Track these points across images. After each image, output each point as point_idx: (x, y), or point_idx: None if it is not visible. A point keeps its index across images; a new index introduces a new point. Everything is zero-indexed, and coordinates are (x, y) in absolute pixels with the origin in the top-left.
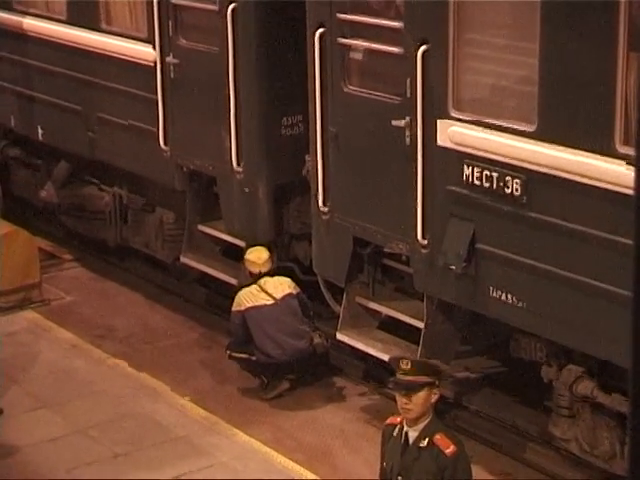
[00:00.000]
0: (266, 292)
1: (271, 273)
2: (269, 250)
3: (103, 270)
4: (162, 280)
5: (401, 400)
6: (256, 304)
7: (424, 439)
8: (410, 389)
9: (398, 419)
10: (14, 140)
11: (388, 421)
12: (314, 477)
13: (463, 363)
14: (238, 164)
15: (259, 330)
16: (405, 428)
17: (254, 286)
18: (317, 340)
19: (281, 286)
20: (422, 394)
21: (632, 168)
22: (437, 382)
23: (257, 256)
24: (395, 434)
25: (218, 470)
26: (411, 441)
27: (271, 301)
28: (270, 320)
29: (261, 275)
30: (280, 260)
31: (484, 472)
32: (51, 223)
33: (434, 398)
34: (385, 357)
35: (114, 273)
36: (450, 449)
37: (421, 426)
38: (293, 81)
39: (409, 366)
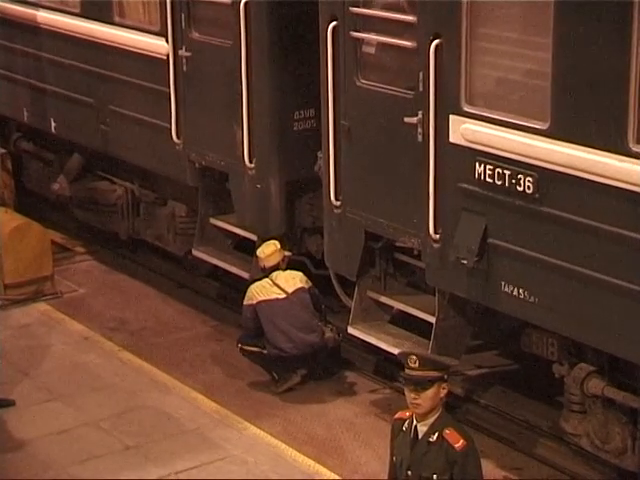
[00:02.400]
0: (278, 286)
1: (283, 267)
2: (281, 244)
3: (115, 263)
4: (174, 273)
5: (410, 395)
6: (268, 298)
7: (434, 434)
8: (419, 384)
9: (407, 413)
10: (27, 133)
11: (397, 415)
12: (324, 470)
13: (474, 358)
14: (250, 161)
15: (270, 324)
16: (415, 422)
17: (266, 280)
18: (328, 334)
19: (293, 280)
20: (431, 389)
21: None
22: (446, 377)
23: (261, 250)
24: (405, 428)
25: (228, 463)
26: (420, 436)
27: (283, 295)
28: (282, 314)
29: (273, 269)
30: (292, 254)
31: (494, 467)
32: (63, 216)
33: (443, 393)
34: (396, 351)
35: (126, 266)
36: (460, 444)
37: (430, 421)
38: (305, 75)
39: (418, 362)
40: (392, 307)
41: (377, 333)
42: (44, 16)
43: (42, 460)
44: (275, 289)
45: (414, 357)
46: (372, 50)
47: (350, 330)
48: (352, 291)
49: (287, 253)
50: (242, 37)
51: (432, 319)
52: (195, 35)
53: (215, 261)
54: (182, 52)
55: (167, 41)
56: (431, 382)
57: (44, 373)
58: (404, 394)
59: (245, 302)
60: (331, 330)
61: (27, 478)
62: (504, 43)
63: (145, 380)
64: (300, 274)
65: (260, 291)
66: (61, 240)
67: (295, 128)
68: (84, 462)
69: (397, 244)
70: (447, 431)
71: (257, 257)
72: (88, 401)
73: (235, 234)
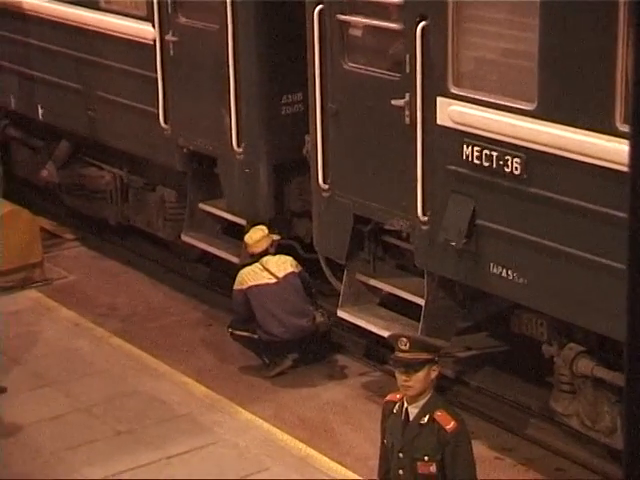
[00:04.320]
0: (268, 271)
1: (272, 252)
2: (269, 228)
3: (105, 249)
4: (163, 258)
5: (401, 377)
6: (258, 283)
7: (425, 416)
8: (409, 367)
9: (398, 396)
10: (15, 120)
11: (388, 398)
12: (316, 453)
13: (464, 339)
14: (238, 145)
15: (262, 308)
16: (405, 405)
17: (256, 265)
18: (319, 318)
19: (283, 265)
20: (422, 371)
21: None
22: (436, 359)
23: (249, 237)
24: (395, 411)
25: (220, 447)
26: (412, 418)
27: (274, 280)
28: (273, 299)
29: (263, 254)
30: (281, 238)
31: (485, 448)
32: (52, 203)
33: (434, 375)
34: (386, 334)
35: (116, 252)
36: (451, 425)
37: (421, 403)
38: (293, 58)
39: (408, 344)
40: (381, 290)
41: (367, 316)
42: (30, 2)
43: (34, 446)
44: (266, 274)
45: (404, 339)
46: (359, 33)
47: (340, 313)
48: (341, 274)
49: (276, 237)
50: (229, 21)
51: (421, 301)
52: (182, 20)
53: (204, 246)
54: (169, 37)
55: (154, 26)
56: (422, 364)
57: (35, 360)
58: (394, 376)
59: (235, 287)
60: (322, 314)
61: (19, 464)
62: (491, 24)
63: (136, 365)
64: (290, 258)
65: (251, 276)
66: (50, 227)
67: (283, 112)
68: (76, 448)
69: (386, 227)
70: (438, 413)
71: (245, 243)
72: (79, 387)
73: (224, 219)
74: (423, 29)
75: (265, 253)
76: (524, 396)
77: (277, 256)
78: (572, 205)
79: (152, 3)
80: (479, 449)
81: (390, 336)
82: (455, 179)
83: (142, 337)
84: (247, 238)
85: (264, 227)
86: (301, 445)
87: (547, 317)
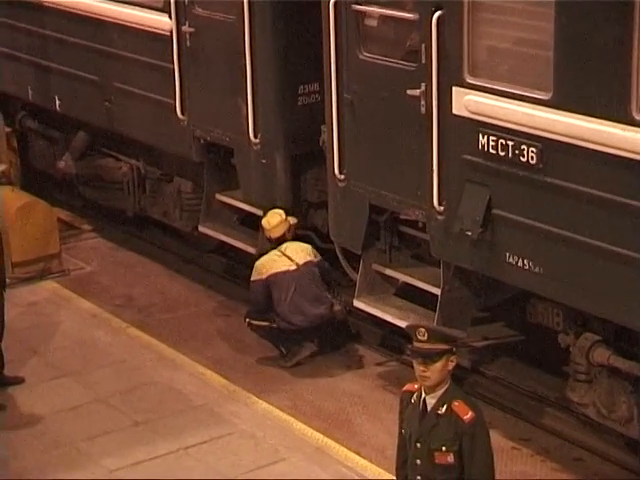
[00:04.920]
0: (288, 257)
1: (289, 237)
2: (286, 213)
3: (122, 240)
4: (180, 249)
5: (419, 368)
6: (278, 270)
7: (442, 406)
8: (427, 357)
9: (416, 386)
10: (32, 112)
11: (406, 388)
12: (333, 443)
13: (480, 329)
14: (255, 136)
15: (282, 295)
16: (423, 395)
17: (274, 252)
18: (337, 307)
19: (302, 252)
20: (440, 362)
21: None
22: (454, 349)
23: (267, 221)
24: (413, 401)
25: (237, 437)
26: (429, 408)
27: (293, 266)
28: (292, 285)
29: (280, 239)
30: (298, 222)
31: (503, 438)
32: (69, 194)
33: (451, 365)
34: (402, 324)
35: (133, 243)
36: (468, 416)
37: (439, 393)
38: (309, 49)
39: (426, 334)
40: (397, 280)
41: (383, 306)
42: None
43: (52, 436)
44: (285, 260)
45: (422, 330)
46: (374, 23)
47: (356, 303)
48: (357, 264)
49: (292, 220)
50: (245, 12)
51: (437, 291)
52: (198, 10)
53: (221, 237)
54: (185, 28)
55: (170, 17)
56: (440, 354)
57: (53, 350)
58: (411, 366)
59: (254, 277)
60: (340, 303)
61: (37, 454)
62: (506, 13)
63: (153, 356)
64: (309, 247)
65: (269, 264)
66: (67, 218)
67: (300, 102)
68: (94, 438)
69: (401, 217)
70: (455, 403)
71: (263, 227)
72: (97, 378)
73: (241, 209)
74: (439, 19)
75: (283, 238)
76: (540, 386)
77: (297, 243)
78: (588, 194)
79: None
80: (496, 439)
81: (408, 327)
82: (471, 169)
83: (159, 328)
84: (264, 222)
85: (282, 211)
86: (318, 435)
87: (563, 306)
